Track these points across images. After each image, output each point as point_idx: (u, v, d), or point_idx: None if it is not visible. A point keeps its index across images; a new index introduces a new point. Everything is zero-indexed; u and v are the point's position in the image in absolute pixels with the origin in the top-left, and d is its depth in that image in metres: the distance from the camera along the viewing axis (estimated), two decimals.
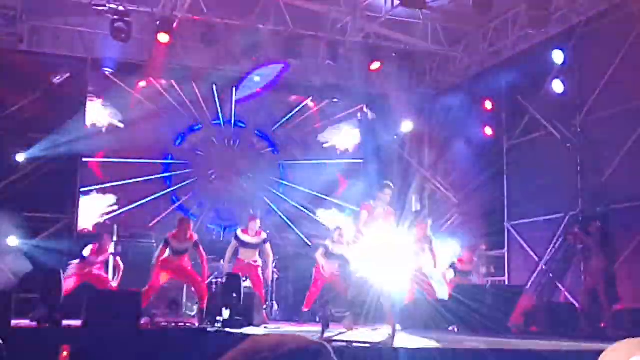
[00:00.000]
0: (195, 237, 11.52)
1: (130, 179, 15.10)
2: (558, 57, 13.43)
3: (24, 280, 13.15)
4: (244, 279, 12.87)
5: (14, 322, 9.16)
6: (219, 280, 12.12)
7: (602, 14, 12.88)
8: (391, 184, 10.01)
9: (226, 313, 9.31)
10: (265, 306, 13.31)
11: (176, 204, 15.27)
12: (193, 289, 11.71)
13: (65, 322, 9.46)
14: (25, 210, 14.14)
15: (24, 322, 9.72)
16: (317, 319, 12.12)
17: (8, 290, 10.23)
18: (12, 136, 14.55)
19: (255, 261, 12.07)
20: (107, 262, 11.97)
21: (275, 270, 13.64)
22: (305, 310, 12.57)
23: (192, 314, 12.09)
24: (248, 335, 6.64)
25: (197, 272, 11.26)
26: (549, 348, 7.33)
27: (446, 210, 17.16)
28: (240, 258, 12.08)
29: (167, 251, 11.25)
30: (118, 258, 12.01)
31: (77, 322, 9.60)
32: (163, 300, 11.04)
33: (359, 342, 6.62)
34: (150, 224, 14.24)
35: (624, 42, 12.30)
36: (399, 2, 12.92)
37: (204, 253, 11.39)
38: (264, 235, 12.27)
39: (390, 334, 6.76)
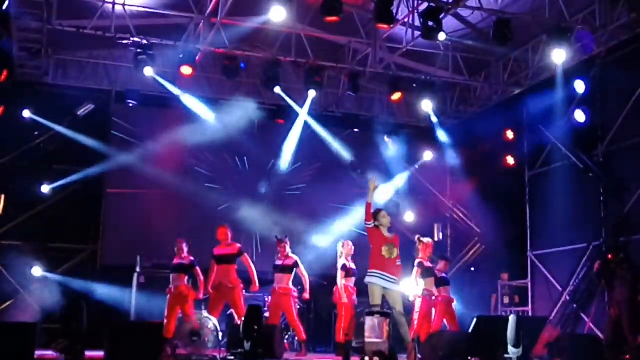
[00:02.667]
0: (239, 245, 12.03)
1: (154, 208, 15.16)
2: (580, 86, 13.43)
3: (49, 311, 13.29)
4: (266, 309, 12.95)
5: (37, 353, 9.23)
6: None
7: (623, 44, 12.87)
8: (382, 210, 9.97)
9: (247, 345, 9.32)
10: (287, 336, 13.30)
11: None
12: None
13: (87, 354, 9.49)
14: (50, 240, 14.32)
15: (48, 353, 9.76)
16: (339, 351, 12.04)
17: (32, 322, 10.30)
18: (38, 168, 14.76)
19: (287, 289, 11.97)
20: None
21: (296, 300, 13.59)
22: (339, 342, 12.32)
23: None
24: None
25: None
26: None
27: (468, 240, 17.14)
28: (274, 287, 12.04)
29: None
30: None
31: (99, 353, 9.64)
32: (184, 330, 11.07)
33: None
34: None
35: None
36: (419, 33, 12.97)
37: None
38: (295, 258, 12.13)
39: None
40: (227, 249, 11.87)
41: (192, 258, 11.91)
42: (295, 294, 12.07)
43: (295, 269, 12.00)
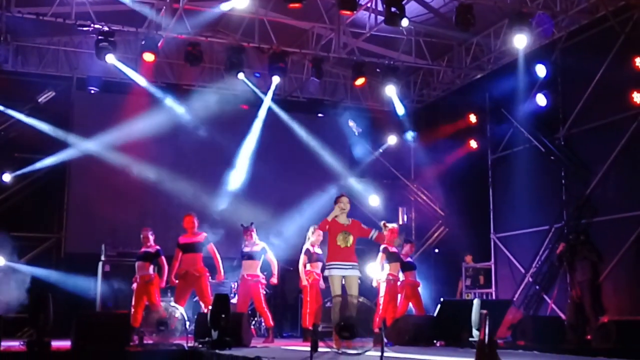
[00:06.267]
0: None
1: (118, 196, 15.05)
2: (541, 70, 13.61)
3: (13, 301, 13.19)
4: (233, 295, 12.99)
5: (4, 344, 9.16)
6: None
7: (583, 28, 13.06)
8: (344, 194, 10.05)
9: (215, 334, 9.33)
10: (253, 322, 13.35)
11: None
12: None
13: (54, 344, 9.44)
14: (13, 230, 14.13)
15: (14, 344, 9.70)
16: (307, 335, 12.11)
17: None
18: None
19: (255, 275, 12.03)
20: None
21: (264, 285, 13.63)
22: (305, 327, 12.39)
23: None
24: (237, 356, 6.64)
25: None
26: None
27: (432, 223, 17.29)
28: (242, 274, 12.07)
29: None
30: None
31: (66, 343, 9.60)
32: (151, 319, 11.01)
33: None
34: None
35: (606, 55, 12.47)
36: (382, 18, 12.98)
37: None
38: (262, 244, 12.20)
39: (379, 354, 6.78)
40: (194, 238, 11.84)
41: (158, 247, 11.89)
42: (263, 281, 12.12)
43: (263, 255, 12.06)
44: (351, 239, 9.47)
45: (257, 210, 15.17)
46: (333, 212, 9.52)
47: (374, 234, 9.68)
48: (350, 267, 9.43)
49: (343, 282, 9.48)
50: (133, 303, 11.59)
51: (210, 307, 9.82)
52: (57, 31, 14.61)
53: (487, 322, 5.41)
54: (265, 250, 12.11)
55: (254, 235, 12.11)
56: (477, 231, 15.49)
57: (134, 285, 11.76)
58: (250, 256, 12.01)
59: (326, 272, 9.50)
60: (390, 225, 12.43)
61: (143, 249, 11.87)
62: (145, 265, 11.73)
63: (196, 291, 11.77)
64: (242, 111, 16.23)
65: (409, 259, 12.79)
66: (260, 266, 12.08)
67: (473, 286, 15.45)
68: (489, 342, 5.43)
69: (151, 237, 11.92)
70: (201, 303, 11.70)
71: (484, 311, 5.64)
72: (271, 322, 12.13)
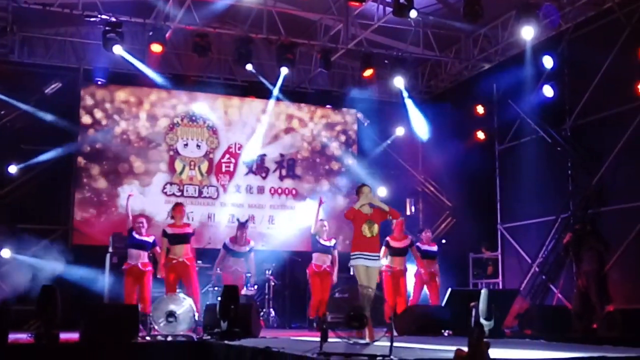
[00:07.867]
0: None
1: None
2: (548, 62, 13.61)
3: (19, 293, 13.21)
4: (212, 287, 13.12)
5: (11, 336, 9.18)
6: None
7: (590, 20, 13.09)
8: (366, 184, 10.10)
9: (224, 325, 9.35)
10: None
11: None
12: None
13: (61, 336, 9.44)
14: (19, 221, 14.13)
15: (21, 337, 9.71)
16: (314, 326, 12.17)
17: (5, 306, 10.20)
18: (5, 147, 14.46)
19: (243, 269, 12.52)
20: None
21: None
22: (312, 317, 12.54)
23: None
24: (246, 347, 6.62)
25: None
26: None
27: (440, 213, 17.29)
28: (229, 265, 12.42)
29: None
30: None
31: (73, 335, 9.61)
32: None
33: (358, 354, 6.65)
34: None
35: (612, 47, 12.51)
36: (390, 9, 12.95)
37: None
38: (251, 244, 12.70)
39: (388, 344, 6.78)
40: (184, 228, 11.63)
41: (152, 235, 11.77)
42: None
43: (249, 253, 12.64)
44: (376, 227, 9.56)
45: (265, 201, 15.20)
46: (359, 201, 9.59)
47: (388, 213, 9.75)
48: (374, 258, 9.52)
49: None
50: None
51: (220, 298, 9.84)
52: (64, 22, 14.52)
53: (474, 313, 5.50)
54: (252, 250, 12.68)
55: (247, 232, 12.60)
56: (484, 222, 15.54)
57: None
58: (239, 253, 12.52)
59: (351, 262, 9.56)
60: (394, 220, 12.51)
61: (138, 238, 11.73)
62: (140, 254, 11.61)
63: (184, 281, 11.44)
64: (250, 102, 16.21)
65: (426, 247, 12.89)
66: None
67: (480, 276, 15.54)
68: (477, 331, 5.45)
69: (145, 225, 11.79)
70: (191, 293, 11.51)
71: (472, 303, 5.71)
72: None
